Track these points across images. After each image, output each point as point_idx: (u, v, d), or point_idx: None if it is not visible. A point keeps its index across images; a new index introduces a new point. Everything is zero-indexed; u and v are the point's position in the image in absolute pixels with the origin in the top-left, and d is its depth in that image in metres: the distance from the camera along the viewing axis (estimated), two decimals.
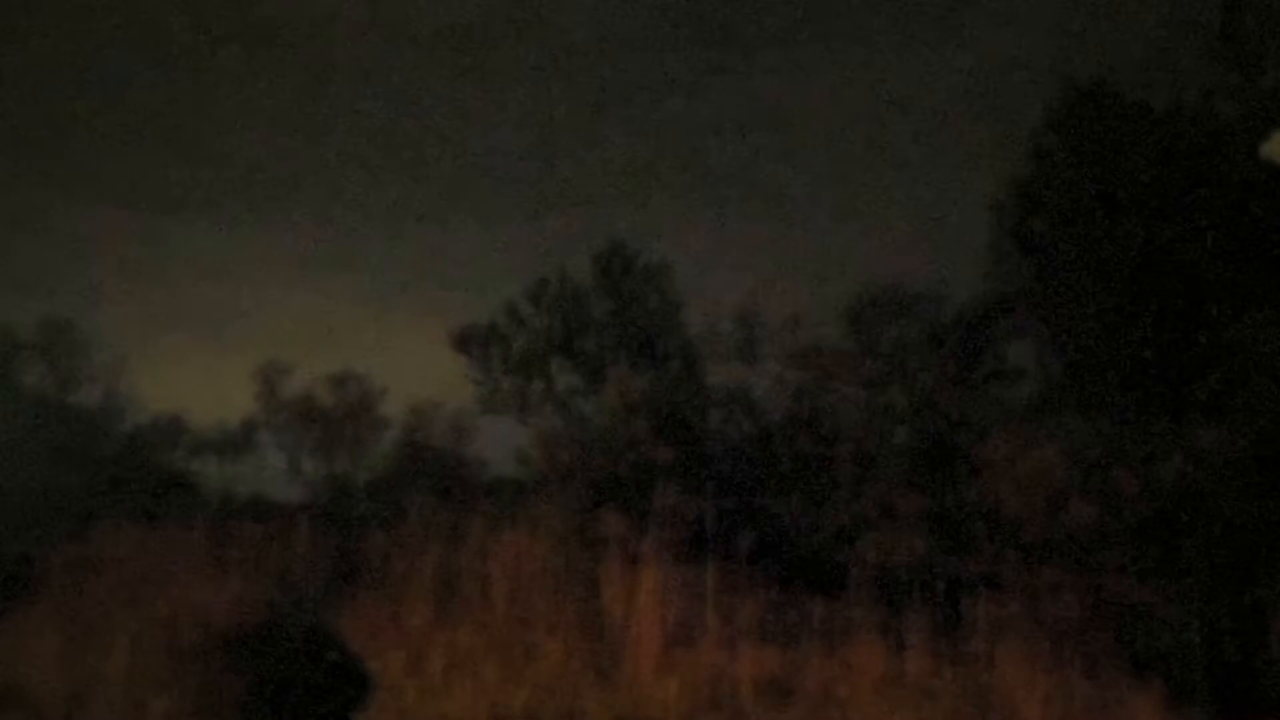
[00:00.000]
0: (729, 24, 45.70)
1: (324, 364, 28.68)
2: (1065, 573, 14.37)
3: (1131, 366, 15.60)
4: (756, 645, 14.08)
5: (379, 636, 15.62)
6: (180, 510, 22.50)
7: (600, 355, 23.31)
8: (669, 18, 49.81)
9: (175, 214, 43.96)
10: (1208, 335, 14.80)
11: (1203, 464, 14.22)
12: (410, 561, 17.37)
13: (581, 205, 40.31)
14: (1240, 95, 15.32)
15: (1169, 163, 15.22)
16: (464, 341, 24.01)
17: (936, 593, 15.33)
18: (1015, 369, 18.84)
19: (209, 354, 35.00)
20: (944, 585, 15.44)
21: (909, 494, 16.22)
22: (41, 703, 10.53)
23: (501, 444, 24.19)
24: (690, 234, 36.80)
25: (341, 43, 45.72)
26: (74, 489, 23.22)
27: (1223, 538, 14.33)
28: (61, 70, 42.90)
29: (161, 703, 10.57)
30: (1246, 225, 14.49)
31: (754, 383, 20.37)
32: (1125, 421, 15.12)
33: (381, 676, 13.94)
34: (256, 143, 45.97)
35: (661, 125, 45.10)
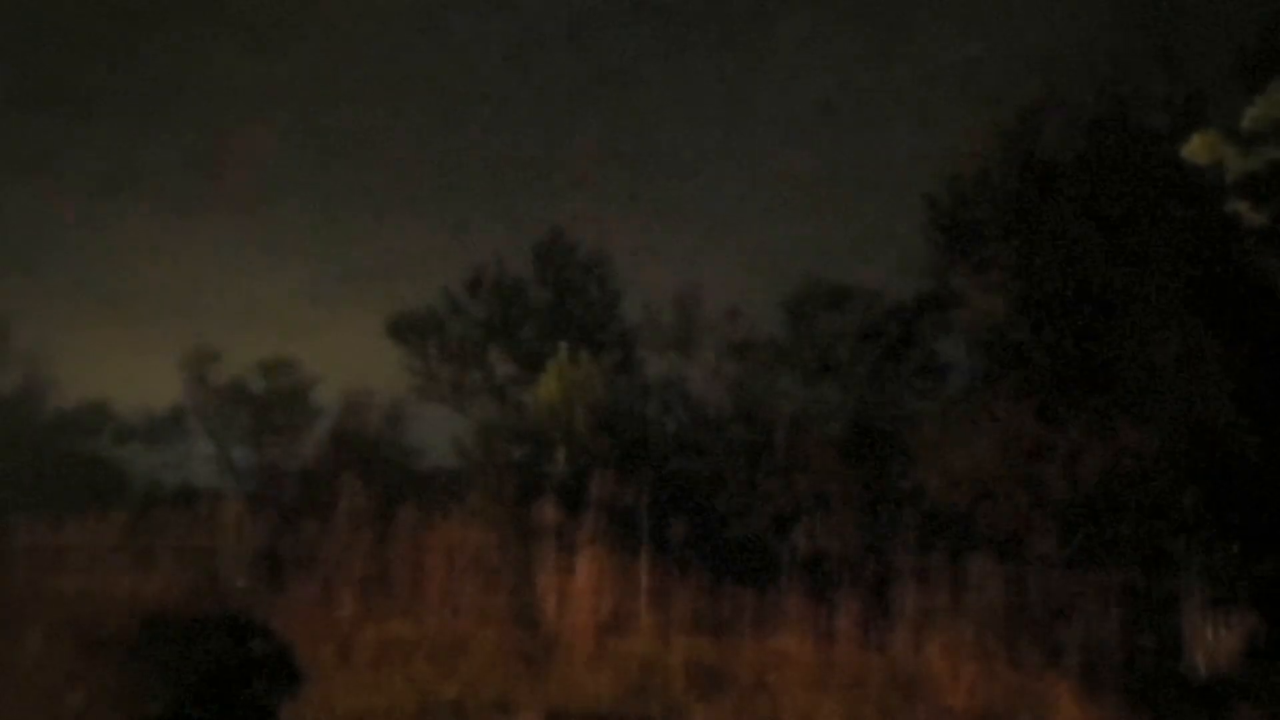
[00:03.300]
0: (672, 15, 45.80)
1: (256, 350, 28.10)
2: (990, 563, 14.71)
3: (1057, 363, 15.97)
4: (689, 634, 14.13)
5: (308, 627, 15.37)
6: (104, 498, 21.88)
7: (539, 345, 23.14)
8: (610, 6, 49.78)
9: (104, 194, 42.75)
10: (1127, 334, 15.21)
11: (1123, 459, 14.65)
12: (341, 551, 17.12)
13: (521, 194, 40.10)
14: (1166, 103, 15.76)
15: (1096, 164, 15.59)
16: (400, 329, 23.70)
17: (866, 582, 15.58)
18: (945, 363, 19.29)
19: (137, 338, 34.12)
20: (873, 575, 15.70)
21: (841, 484, 16.48)
22: None
23: (438, 433, 23.93)
24: (630, 225, 36.85)
25: (281, 27, 44.85)
26: None
27: (1140, 530, 14.79)
28: None
29: (76, 695, 10.24)
30: (1165, 230, 14.91)
31: (691, 373, 20.54)
32: (1051, 417, 15.47)
33: (310, 668, 13.68)
34: (191, 125, 44.88)
35: (603, 115, 45.07)
